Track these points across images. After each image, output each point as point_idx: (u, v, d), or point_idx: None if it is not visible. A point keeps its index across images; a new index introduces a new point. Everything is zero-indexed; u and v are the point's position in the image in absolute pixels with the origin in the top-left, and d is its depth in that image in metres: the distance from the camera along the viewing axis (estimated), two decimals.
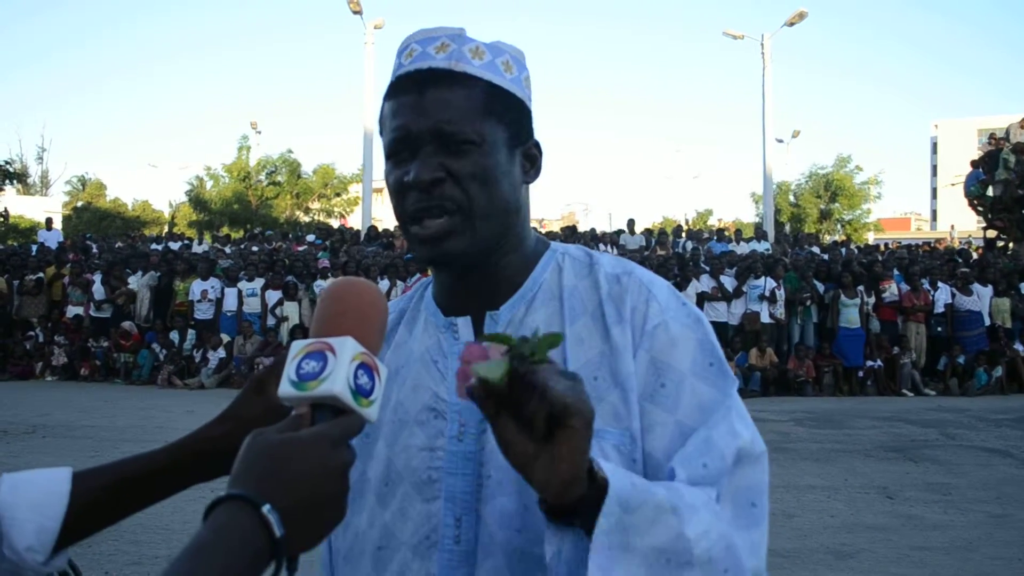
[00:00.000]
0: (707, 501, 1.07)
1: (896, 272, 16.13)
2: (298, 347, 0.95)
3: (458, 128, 1.17)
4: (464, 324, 1.27)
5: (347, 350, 0.93)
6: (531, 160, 1.28)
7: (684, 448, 1.13)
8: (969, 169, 23.27)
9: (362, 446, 1.28)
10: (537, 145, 1.29)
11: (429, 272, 1.35)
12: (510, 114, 1.22)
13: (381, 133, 1.26)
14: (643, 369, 1.18)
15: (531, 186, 1.31)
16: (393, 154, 1.23)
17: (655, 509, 1.00)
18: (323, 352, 0.93)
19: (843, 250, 20.25)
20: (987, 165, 22.09)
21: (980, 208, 22.74)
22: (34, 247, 21.04)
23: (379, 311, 1.01)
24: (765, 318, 15.05)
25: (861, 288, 15.17)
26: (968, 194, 22.97)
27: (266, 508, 0.81)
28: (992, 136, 23.13)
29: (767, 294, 15.08)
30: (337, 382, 0.90)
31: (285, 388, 0.93)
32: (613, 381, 1.17)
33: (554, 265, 1.30)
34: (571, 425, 0.91)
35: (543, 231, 25.96)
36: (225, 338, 15.49)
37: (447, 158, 1.18)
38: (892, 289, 15.43)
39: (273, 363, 1.15)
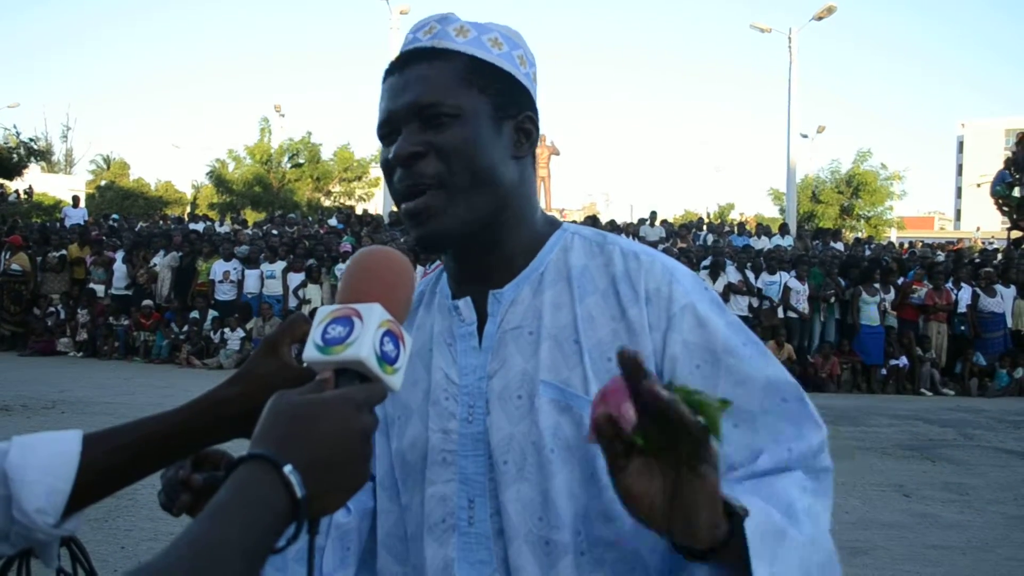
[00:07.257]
0: (810, 504, 1.11)
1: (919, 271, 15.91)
2: (325, 312, 0.95)
3: (435, 98, 1.17)
4: (465, 305, 1.26)
5: (374, 316, 0.92)
6: (525, 134, 1.24)
7: (772, 435, 1.16)
8: (999, 169, 23.08)
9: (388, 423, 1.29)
10: (532, 119, 1.26)
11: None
12: (495, 86, 1.21)
13: None
14: (678, 352, 1.16)
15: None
16: (383, 137, 1.23)
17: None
18: (350, 318, 0.92)
19: (867, 247, 20.08)
20: (1016, 166, 21.91)
21: (1005, 209, 22.59)
22: (57, 224, 21.19)
23: (405, 281, 1.00)
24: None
25: (878, 285, 15.03)
26: (994, 194, 22.84)
27: (287, 468, 0.80)
28: (1021, 136, 22.89)
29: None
30: (363, 347, 0.90)
31: (310, 352, 0.92)
32: None
33: (562, 245, 1.27)
34: (703, 473, 0.89)
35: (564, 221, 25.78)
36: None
37: (429, 133, 1.17)
38: (921, 292, 15.22)
39: (286, 324, 1.14)
